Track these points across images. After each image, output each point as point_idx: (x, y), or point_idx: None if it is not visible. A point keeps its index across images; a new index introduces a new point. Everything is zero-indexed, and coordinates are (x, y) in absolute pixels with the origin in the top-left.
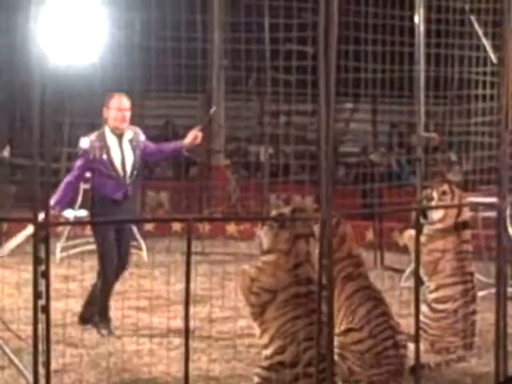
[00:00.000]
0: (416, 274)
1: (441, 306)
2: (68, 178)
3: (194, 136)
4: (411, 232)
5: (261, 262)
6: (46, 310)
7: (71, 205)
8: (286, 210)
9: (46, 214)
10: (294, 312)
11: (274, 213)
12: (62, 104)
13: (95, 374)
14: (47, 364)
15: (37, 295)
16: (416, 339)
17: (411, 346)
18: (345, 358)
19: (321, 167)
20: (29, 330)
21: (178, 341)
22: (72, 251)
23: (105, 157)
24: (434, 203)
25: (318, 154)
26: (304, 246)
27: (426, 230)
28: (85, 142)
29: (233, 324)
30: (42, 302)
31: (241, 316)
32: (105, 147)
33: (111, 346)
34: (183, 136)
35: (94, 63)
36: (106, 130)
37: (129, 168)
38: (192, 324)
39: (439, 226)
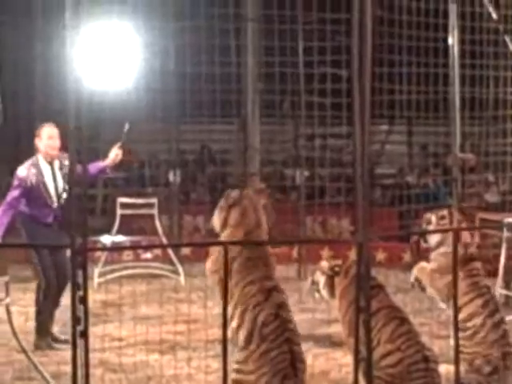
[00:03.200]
0: (454, 296)
1: (469, 324)
2: (5, 208)
3: (115, 154)
4: (421, 265)
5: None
6: (84, 335)
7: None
8: (235, 193)
9: (84, 240)
10: (251, 276)
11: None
12: (97, 130)
13: None
14: None
15: (75, 320)
16: (456, 359)
17: (450, 367)
18: (376, 378)
19: (357, 189)
20: (67, 355)
21: (216, 365)
22: (109, 276)
23: (40, 183)
24: (431, 227)
25: (353, 176)
26: (253, 216)
27: (432, 255)
28: (22, 171)
29: None
30: (80, 328)
31: None
32: (40, 174)
33: (150, 371)
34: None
35: (128, 89)
36: (39, 158)
37: (59, 193)
38: (230, 348)
39: (442, 249)
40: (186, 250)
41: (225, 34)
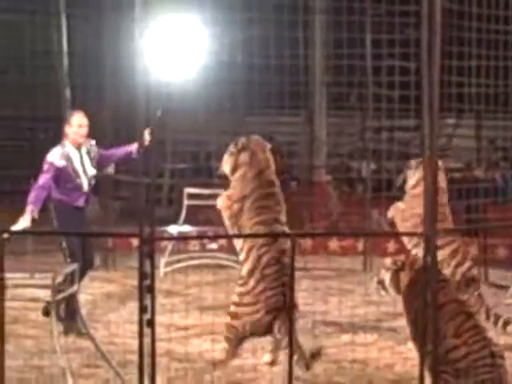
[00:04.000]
0: None
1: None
2: (39, 188)
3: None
4: (397, 204)
5: (232, 181)
6: (151, 324)
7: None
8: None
9: (151, 230)
10: (262, 216)
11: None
12: (165, 121)
13: None
14: (152, 378)
15: (142, 309)
16: None
17: None
18: (441, 372)
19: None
20: (134, 343)
21: (280, 356)
22: (176, 266)
23: (69, 168)
24: (411, 171)
25: None
26: (262, 156)
27: (406, 197)
28: (51, 157)
29: (336, 339)
30: (147, 316)
31: (344, 331)
32: (68, 159)
33: (214, 361)
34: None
35: (196, 81)
36: (67, 143)
37: (88, 177)
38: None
39: (414, 191)
40: None
41: (293, 26)
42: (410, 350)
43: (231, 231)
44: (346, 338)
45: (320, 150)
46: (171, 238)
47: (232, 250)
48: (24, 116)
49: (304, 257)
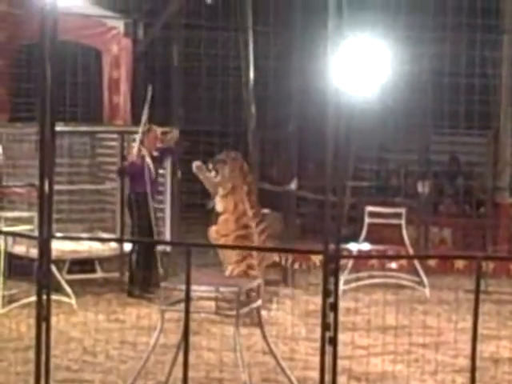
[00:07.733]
0: None
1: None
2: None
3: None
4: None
5: (220, 219)
6: (333, 341)
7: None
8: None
9: (337, 247)
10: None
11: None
12: (349, 137)
13: None
14: None
15: (325, 327)
16: None
17: None
18: None
19: None
20: (313, 360)
21: (460, 379)
22: (354, 284)
23: (145, 168)
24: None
25: None
26: (241, 206)
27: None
28: (133, 159)
29: None
30: (329, 334)
31: None
32: (144, 161)
33: (395, 382)
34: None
35: (380, 98)
36: (144, 151)
37: (154, 175)
38: (477, 363)
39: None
40: (431, 262)
41: (484, 43)
42: None
43: None
44: None
45: (504, 171)
46: (356, 256)
47: (413, 271)
48: (215, 131)
49: (485, 279)
